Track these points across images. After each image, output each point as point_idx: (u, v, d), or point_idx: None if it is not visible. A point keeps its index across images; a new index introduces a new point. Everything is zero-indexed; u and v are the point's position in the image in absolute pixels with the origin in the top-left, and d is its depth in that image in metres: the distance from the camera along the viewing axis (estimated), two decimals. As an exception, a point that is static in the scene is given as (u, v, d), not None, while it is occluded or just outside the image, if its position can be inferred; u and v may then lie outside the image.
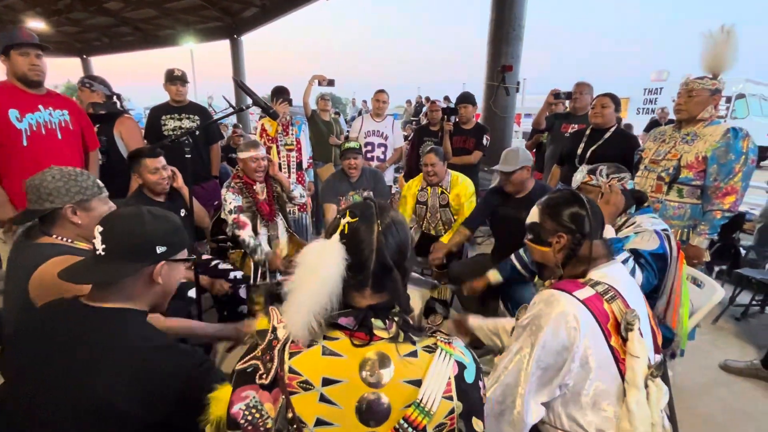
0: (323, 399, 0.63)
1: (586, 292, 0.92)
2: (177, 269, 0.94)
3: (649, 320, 1.02)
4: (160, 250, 0.86)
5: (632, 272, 1.35)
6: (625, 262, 1.35)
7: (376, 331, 0.66)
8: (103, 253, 0.83)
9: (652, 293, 1.45)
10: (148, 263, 0.86)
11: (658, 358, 1.02)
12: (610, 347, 0.89)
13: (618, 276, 0.99)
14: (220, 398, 0.68)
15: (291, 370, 0.64)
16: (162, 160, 2.00)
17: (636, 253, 1.40)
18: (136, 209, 0.89)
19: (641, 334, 0.91)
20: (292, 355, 0.65)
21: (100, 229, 0.85)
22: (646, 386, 0.89)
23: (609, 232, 1.39)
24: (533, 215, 1.10)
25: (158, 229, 0.87)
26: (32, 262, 1.10)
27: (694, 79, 1.95)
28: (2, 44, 1.89)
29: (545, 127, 3.46)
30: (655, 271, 1.39)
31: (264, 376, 0.65)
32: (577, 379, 0.90)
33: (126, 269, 0.84)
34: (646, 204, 1.60)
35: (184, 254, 0.94)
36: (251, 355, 0.68)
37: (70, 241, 1.21)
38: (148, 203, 2.00)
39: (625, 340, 0.90)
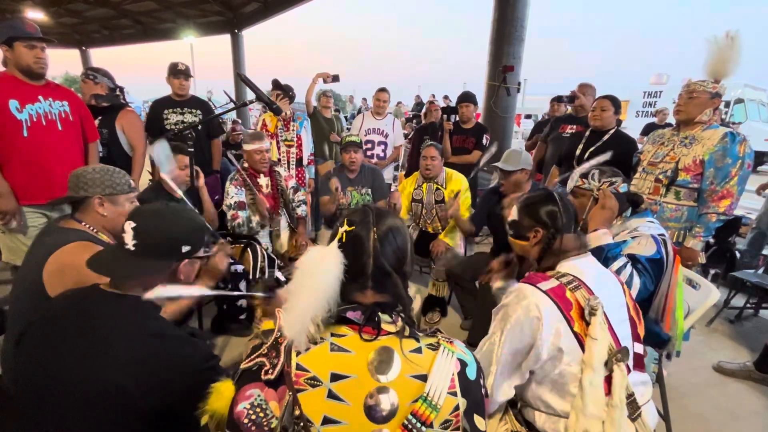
0: (331, 395, 0.63)
1: (550, 284, 0.99)
2: (196, 266, 0.98)
3: (629, 310, 1.06)
4: (185, 249, 0.90)
5: (630, 278, 1.36)
6: (623, 267, 1.36)
7: (383, 325, 0.68)
8: (133, 249, 0.86)
9: (649, 297, 1.46)
10: (173, 261, 0.90)
11: (639, 347, 1.05)
12: (574, 333, 0.95)
13: (585, 268, 1.04)
14: (221, 391, 0.68)
15: (298, 367, 0.64)
16: (188, 158, 2.04)
17: (633, 259, 1.41)
18: (167, 208, 0.93)
19: (607, 320, 0.96)
20: (299, 352, 0.65)
21: (132, 224, 0.87)
22: (611, 370, 0.93)
23: (605, 237, 1.40)
24: (513, 213, 1.19)
25: (186, 228, 0.92)
26: (56, 242, 1.16)
27: (696, 81, 1.97)
28: (5, 34, 1.88)
29: (547, 131, 3.48)
30: (652, 276, 1.40)
31: (270, 371, 0.64)
32: (548, 364, 0.97)
33: (153, 266, 0.87)
34: (643, 207, 1.60)
35: (201, 252, 0.98)
36: (257, 353, 0.68)
37: (95, 230, 1.28)
38: (165, 197, 2.05)
39: (588, 324, 0.95)
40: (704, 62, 1.97)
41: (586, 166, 1.60)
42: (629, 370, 0.98)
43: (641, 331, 1.08)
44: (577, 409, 0.93)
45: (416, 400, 0.63)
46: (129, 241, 0.86)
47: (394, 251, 0.72)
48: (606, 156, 1.64)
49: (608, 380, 0.94)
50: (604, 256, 1.37)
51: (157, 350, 0.80)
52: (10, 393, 0.81)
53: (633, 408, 0.96)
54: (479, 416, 0.68)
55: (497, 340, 0.99)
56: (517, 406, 1.09)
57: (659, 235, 1.44)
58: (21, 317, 1.16)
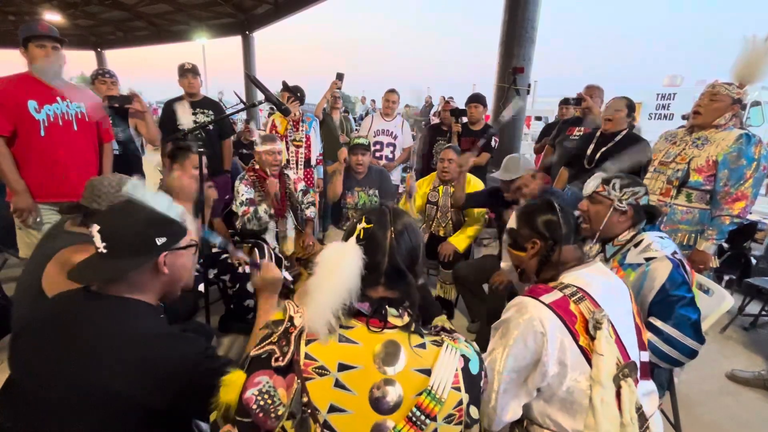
0: (338, 384, 0.65)
1: (553, 296, 0.96)
2: (182, 257, 0.93)
3: (634, 318, 1.04)
4: (160, 241, 0.86)
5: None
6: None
7: (390, 319, 0.70)
8: (105, 251, 0.83)
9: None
10: (150, 256, 0.86)
11: (645, 355, 1.03)
12: (580, 347, 0.92)
13: (589, 279, 1.01)
14: (232, 382, 0.69)
15: (307, 356, 0.66)
16: (197, 157, 2.04)
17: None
18: (131, 204, 0.88)
19: (615, 333, 0.93)
20: (308, 342, 0.67)
21: (98, 227, 0.84)
22: (619, 386, 0.91)
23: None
24: (512, 221, 1.16)
25: (155, 221, 0.87)
26: (64, 245, 1.16)
27: (722, 83, 1.92)
28: (21, 37, 1.94)
29: (554, 135, 3.45)
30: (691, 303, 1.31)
31: (280, 358, 0.66)
32: (555, 380, 0.94)
33: (129, 265, 0.84)
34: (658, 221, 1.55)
35: (186, 241, 0.93)
36: (267, 341, 0.70)
37: None
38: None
39: (593, 338, 0.92)
40: (734, 62, 1.88)
41: (612, 168, 1.53)
42: (637, 382, 0.96)
43: (645, 339, 1.06)
44: (590, 429, 0.90)
45: (420, 394, 0.65)
46: (99, 244, 0.84)
47: (408, 250, 0.75)
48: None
49: (617, 396, 0.91)
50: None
51: (149, 350, 0.79)
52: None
53: (641, 421, 0.94)
54: (475, 407, 0.71)
55: (498, 356, 0.96)
56: (523, 424, 1.05)
57: (672, 253, 1.35)
58: (20, 319, 1.15)
